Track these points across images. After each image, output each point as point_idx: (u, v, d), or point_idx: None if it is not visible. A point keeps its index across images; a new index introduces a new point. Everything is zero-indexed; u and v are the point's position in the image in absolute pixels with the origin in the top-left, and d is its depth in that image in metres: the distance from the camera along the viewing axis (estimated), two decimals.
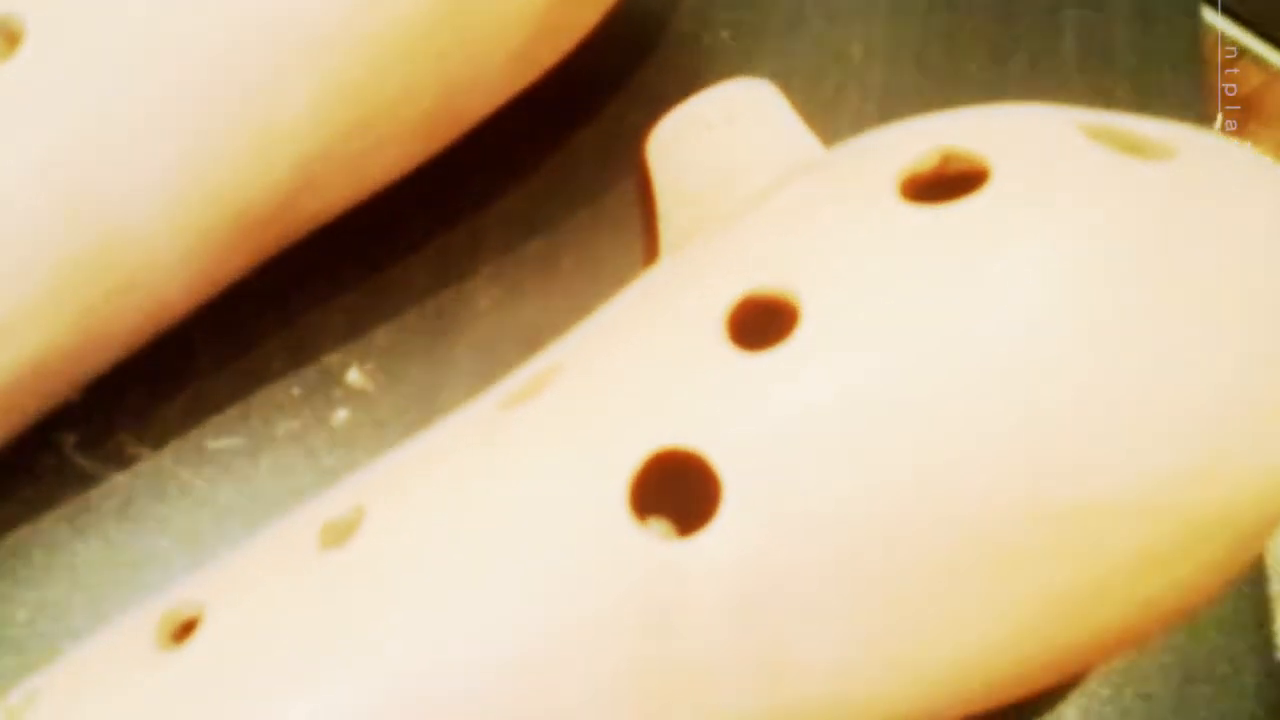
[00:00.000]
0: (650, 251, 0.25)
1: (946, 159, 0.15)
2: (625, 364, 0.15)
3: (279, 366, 0.23)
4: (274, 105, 0.19)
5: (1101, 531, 0.14)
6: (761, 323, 0.16)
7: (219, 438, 0.23)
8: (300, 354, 0.23)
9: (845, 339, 0.14)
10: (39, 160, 0.19)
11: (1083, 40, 0.27)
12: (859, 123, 0.26)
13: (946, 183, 0.16)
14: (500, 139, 0.24)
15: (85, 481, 0.22)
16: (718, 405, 0.14)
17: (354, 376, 0.23)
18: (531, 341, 0.24)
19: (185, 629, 0.16)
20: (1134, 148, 0.15)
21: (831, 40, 0.27)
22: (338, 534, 0.16)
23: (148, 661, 0.16)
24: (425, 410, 0.23)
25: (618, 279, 0.25)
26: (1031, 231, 0.14)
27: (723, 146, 0.22)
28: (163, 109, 0.19)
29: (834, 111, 0.26)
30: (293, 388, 0.23)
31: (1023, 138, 0.15)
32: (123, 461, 0.22)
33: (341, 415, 0.23)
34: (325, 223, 0.22)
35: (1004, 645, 0.15)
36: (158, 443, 0.23)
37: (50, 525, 0.22)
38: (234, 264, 0.21)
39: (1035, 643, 0.15)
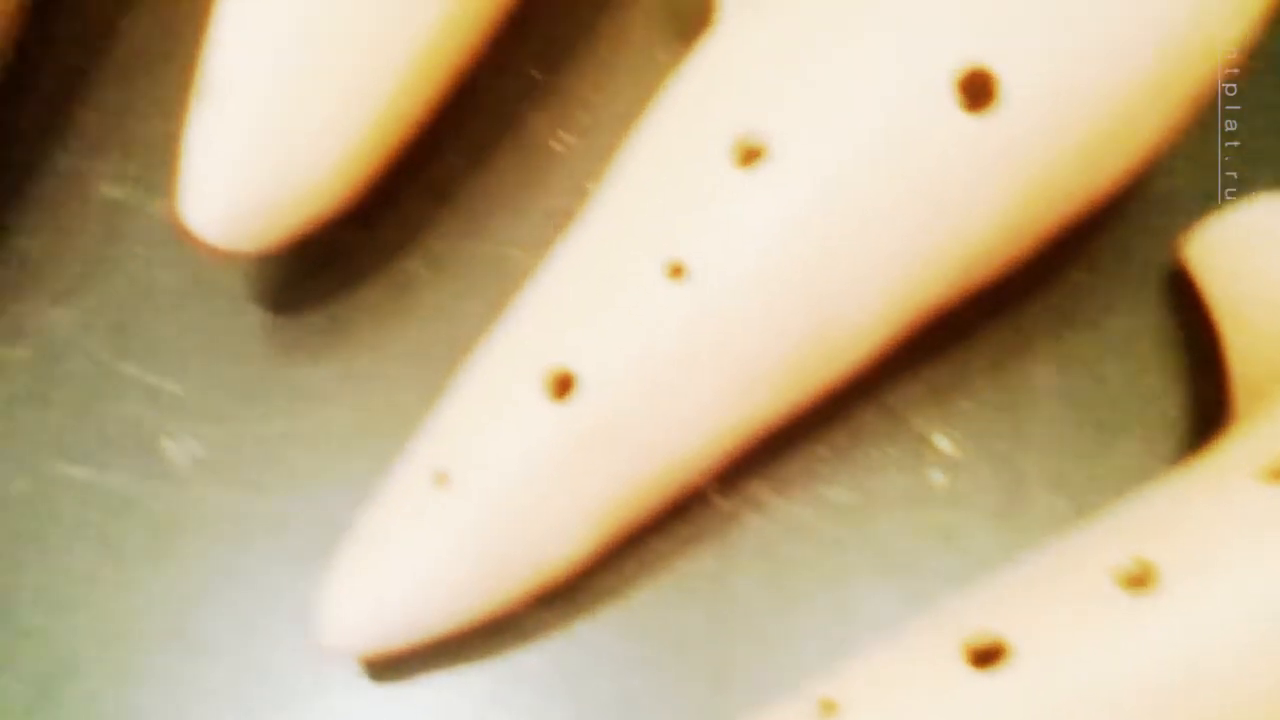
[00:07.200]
0: (1195, 339, 0.28)
1: None
2: None
3: (876, 429, 0.27)
4: (968, 216, 0.23)
5: None
6: None
7: (835, 487, 0.26)
8: (892, 418, 0.27)
9: None
10: (778, 255, 0.23)
11: None
12: None
13: None
14: None
15: (727, 522, 0.26)
16: None
17: (943, 442, 0.27)
18: (1102, 427, 0.27)
19: (987, 656, 0.19)
20: None
21: None
22: (1133, 581, 0.19)
23: (958, 684, 0.19)
24: (1013, 476, 0.26)
25: (1153, 365, 0.28)
26: None
27: None
28: (880, 216, 0.23)
29: None
30: (889, 448, 0.27)
31: None
32: (756, 505, 0.26)
33: (937, 476, 0.26)
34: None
35: None
36: (783, 490, 0.26)
37: (701, 559, 0.26)
38: (899, 339, 0.25)
39: None
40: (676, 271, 0.23)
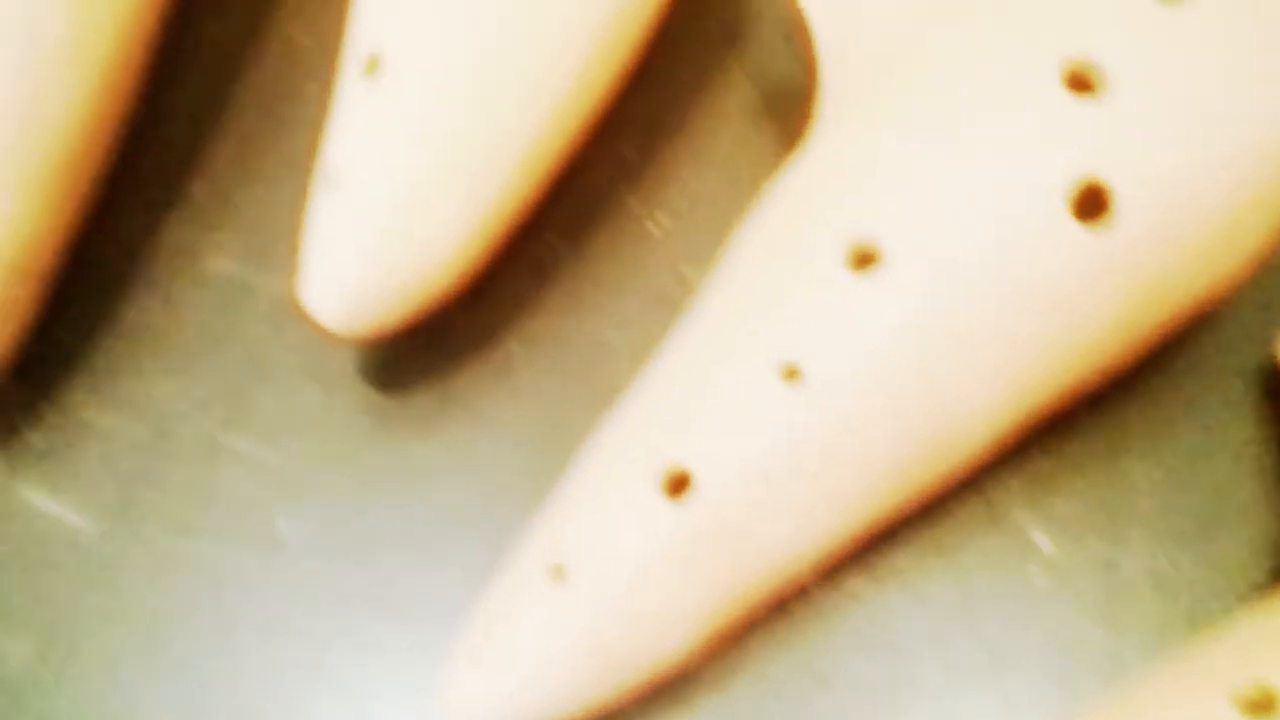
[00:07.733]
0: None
1: None
2: None
3: (975, 523, 0.27)
4: (1079, 325, 0.23)
5: None
6: None
7: (933, 581, 0.26)
8: (992, 512, 0.27)
9: None
10: (891, 361, 0.23)
11: None
12: None
13: None
14: None
15: (824, 613, 0.26)
16: None
17: (1042, 540, 0.27)
18: (1201, 528, 0.27)
19: None
20: None
21: None
22: (1254, 706, 0.19)
23: None
24: (1114, 576, 0.26)
25: (1254, 463, 0.28)
26: None
27: None
28: (993, 325, 0.23)
29: None
30: (987, 543, 0.27)
31: None
32: (853, 596, 0.26)
33: (1037, 574, 0.27)
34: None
35: None
36: (881, 582, 0.26)
37: (797, 651, 0.26)
38: (1009, 441, 0.25)
39: None
40: (791, 374, 0.23)
